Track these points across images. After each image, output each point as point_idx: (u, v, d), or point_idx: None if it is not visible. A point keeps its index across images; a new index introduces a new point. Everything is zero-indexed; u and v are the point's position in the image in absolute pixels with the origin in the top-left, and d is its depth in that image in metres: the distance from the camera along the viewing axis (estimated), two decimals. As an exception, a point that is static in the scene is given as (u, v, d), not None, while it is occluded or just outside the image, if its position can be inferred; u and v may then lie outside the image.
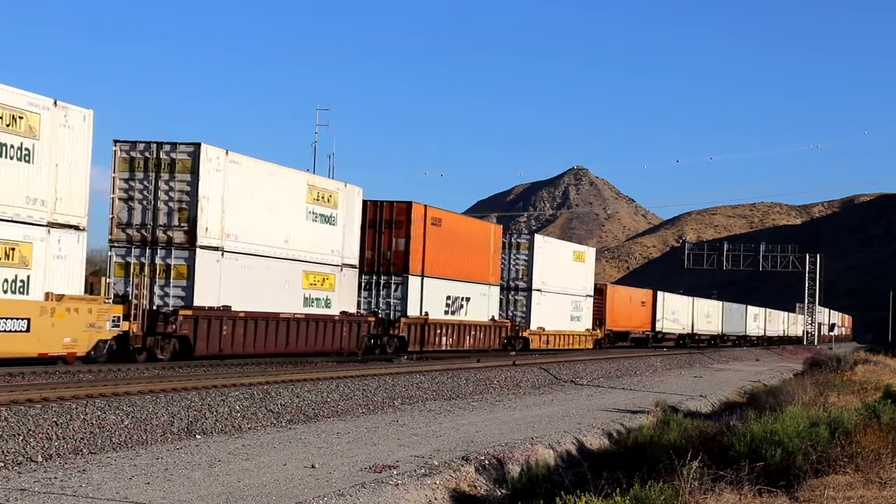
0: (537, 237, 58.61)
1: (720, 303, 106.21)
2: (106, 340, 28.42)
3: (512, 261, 55.52)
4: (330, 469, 15.92)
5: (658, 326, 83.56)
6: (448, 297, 46.31)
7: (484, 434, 21.35)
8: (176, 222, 31.50)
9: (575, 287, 61.99)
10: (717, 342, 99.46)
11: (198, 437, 18.69)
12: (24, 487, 13.35)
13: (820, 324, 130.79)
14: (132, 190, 31.76)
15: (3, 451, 15.10)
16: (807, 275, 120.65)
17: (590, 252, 66.63)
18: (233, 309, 32.72)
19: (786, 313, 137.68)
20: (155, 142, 31.77)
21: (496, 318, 51.65)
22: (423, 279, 43.64)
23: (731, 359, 68.97)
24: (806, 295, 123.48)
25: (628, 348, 73.29)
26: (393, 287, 42.57)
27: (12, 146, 25.12)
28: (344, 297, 39.30)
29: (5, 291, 24.97)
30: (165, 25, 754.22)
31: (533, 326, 55.83)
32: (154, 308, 30.88)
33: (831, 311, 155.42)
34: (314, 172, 41.58)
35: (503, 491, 17.19)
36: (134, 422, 18.03)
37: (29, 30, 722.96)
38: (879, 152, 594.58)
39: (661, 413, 27.05)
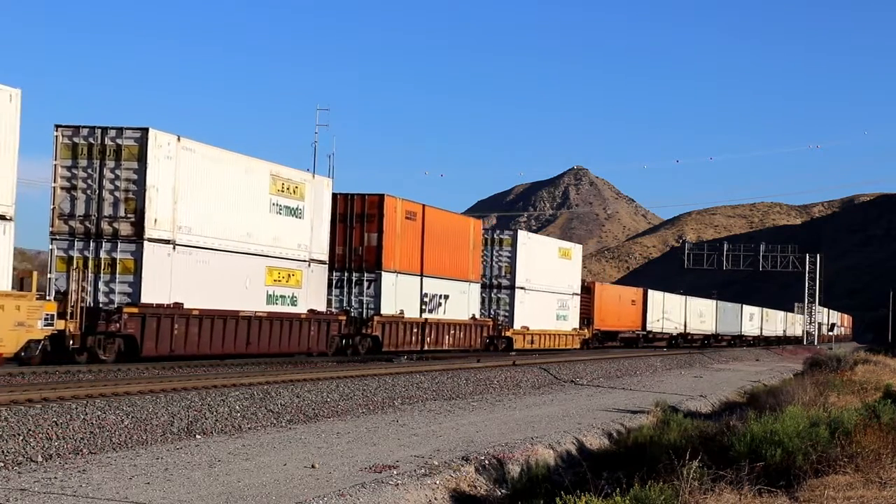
0: (520, 233, 57.18)
1: (714, 302, 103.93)
2: (39, 340, 25.70)
3: (494, 258, 53.82)
4: (330, 469, 15.92)
5: (649, 326, 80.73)
6: (425, 295, 44.46)
7: (484, 434, 21.35)
8: (122, 213, 29.51)
9: (561, 285, 59.98)
10: (710, 342, 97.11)
11: (198, 437, 18.70)
12: (24, 487, 13.35)
13: (820, 324, 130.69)
14: (75, 178, 29.62)
15: (3, 451, 15.11)
16: (807, 275, 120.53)
17: (576, 249, 64.76)
18: (185, 306, 30.69)
19: (784, 313, 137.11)
20: (100, 127, 29.70)
21: (477, 316, 49.93)
22: (397, 276, 41.89)
23: (731, 359, 68.78)
24: (806, 295, 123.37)
25: (617, 348, 70.66)
26: (365, 284, 40.73)
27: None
28: (312, 295, 37.38)
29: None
30: (165, 25, 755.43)
31: (517, 326, 54.25)
32: (97, 305, 28.92)
33: (831, 311, 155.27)
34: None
35: (503, 491, 17.19)
36: (134, 422, 18.03)
37: (29, 30, 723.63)
38: (879, 152, 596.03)
39: (661, 413, 27.04)
